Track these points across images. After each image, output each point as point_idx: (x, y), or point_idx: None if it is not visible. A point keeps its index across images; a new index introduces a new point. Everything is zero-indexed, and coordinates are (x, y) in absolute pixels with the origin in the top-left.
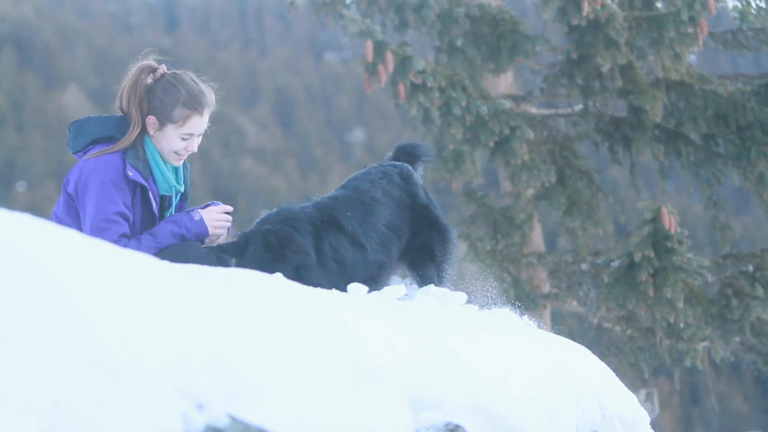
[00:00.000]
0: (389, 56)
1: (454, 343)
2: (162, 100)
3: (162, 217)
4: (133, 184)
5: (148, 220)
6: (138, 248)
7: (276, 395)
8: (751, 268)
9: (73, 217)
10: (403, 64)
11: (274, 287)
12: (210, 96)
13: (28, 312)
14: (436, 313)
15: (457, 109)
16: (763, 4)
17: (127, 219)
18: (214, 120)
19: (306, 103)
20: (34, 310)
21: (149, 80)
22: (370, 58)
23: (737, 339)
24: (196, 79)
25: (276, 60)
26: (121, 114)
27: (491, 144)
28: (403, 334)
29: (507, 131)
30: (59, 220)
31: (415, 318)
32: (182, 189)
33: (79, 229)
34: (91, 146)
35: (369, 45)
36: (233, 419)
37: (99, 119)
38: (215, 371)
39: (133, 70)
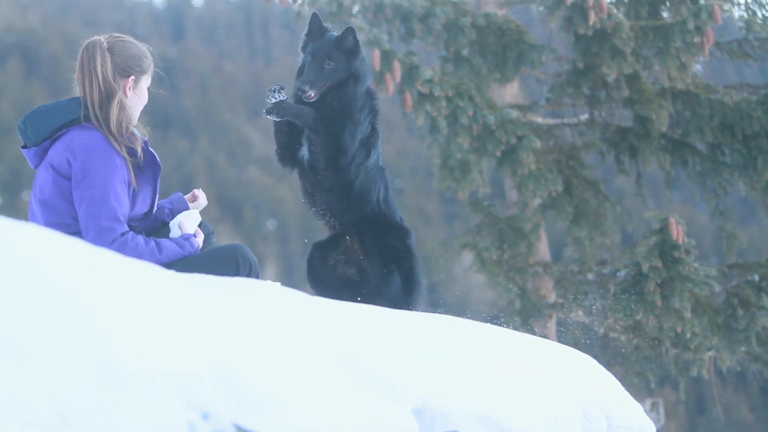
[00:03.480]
0: (396, 65)
1: (460, 353)
2: (131, 57)
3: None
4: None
5: (146, 185)
6: (143, 246)
7: (282, 404)
8: (756, 277)
9: (66, 198)
10: (410, 73)
11: (279, 296)
12: None
13: (36, 321)
14: (442, 322)
15: (464, 119)
16: None
17: (125, 219)
18: (221, 130)
19: None
20: (42, 319)
21: (107, 52)
22: (377, 67)
23: (743, 349)
24: None
25: (282, 69)
26: (72, 97)
27: (498, 153)
28: (409, 343)
29: (514, 140)
30: (44, 204)
31: (421, 327)
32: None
33: (71, 211)
34: (65, 130)
35: (376, 54)
36: (239, 429)
37: (59, 104)
38: (221, 380)
39: (88, 52)
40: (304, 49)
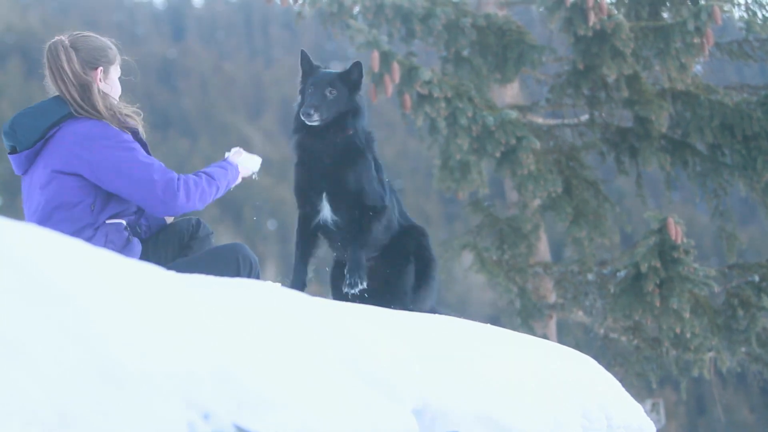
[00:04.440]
0: (396, 67)
1: (460, 353)
2: (95, 49)
3: None
4: None
5: None
6: (199, 180)
7: (282, 404)
8: (757, 278)
9: (75, 194)
10: (410, 74)
11: (279, 296)
12: None
13: (36, 321)
14: (442, 323)
15: (464, 120)
16: None
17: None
18: (221, 131)
19: None
20: (42, 319)
21: (70, 49)
22: (376, 68)
23: (743, 349)
24: None
25: (282, 70)
26: (54, 97)
27: (498, 154)
28: (409, 343)
29: (513, 141)
30: (56, 210)
31: (421, 327)
32: None
33: (85, 208)
34: (57, 128)
35: (376, 55)
36: (239, 429)
37: (45, 104)
38: (221, 380)
39: (52, 52)
40: (302, 90)
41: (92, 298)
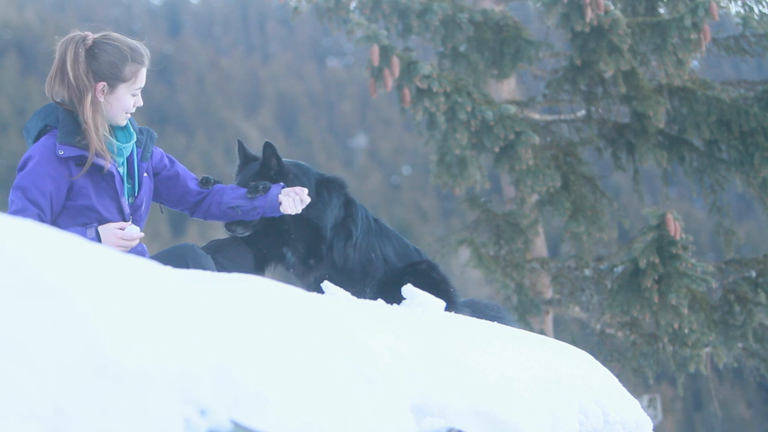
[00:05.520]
0: (395, 61)
1: (457, 349)
2: (108, 62)
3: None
4: (72, 161)
5: (106, 197)
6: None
7: (279, 400)
8: (753, 273)
9: None
10: (409, 68)
11: (277, 292)
12: (145, 48)
13: (31, 317)
14: (438, 318)
15: (463, 114)
16: (766, 10)
17: (38, 206)
18: (217, 126)
19: (309, 108)
20: (37, 315)
21: (83, 50)
22: (376, 62)
23: (740, 345)
24: (124, 36)
25: (279, 65)
26: (52, 102)
27: (496, 149)
28: (406, 339)
29: (512, 136)
30: None
31: (417, 324)
32: (132, 145)
33: None
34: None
35: (375, 50)
36: (236, 425)
37: (32, 117)
38: (218, 376)
39: (62, 48)
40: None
41: (88, 293)
